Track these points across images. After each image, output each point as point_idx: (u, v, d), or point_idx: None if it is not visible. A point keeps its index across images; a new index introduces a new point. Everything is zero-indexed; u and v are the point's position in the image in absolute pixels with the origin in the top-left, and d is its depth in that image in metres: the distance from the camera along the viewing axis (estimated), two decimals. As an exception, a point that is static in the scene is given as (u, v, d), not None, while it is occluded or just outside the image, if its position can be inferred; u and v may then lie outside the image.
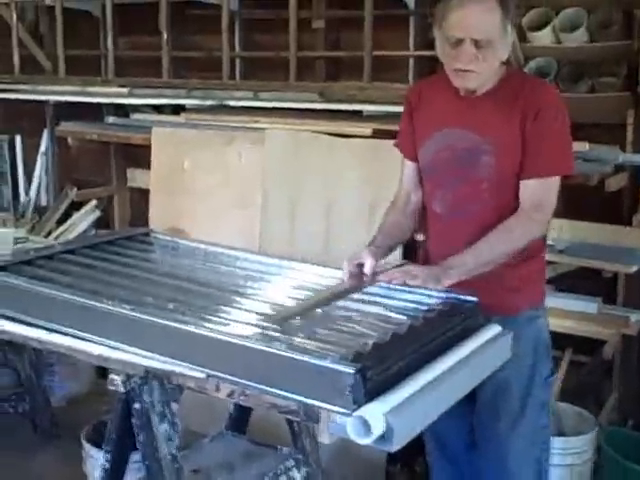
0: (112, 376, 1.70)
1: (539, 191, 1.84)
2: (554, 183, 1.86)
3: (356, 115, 3.17)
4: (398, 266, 1.94)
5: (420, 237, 2.19)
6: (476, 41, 1.75)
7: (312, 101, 3.29)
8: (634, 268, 2.80)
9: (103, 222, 4.18)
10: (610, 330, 2.79)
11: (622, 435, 2.77)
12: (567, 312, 2.78)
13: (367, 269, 1.87)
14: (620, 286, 3.02)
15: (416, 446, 1.74)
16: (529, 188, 1.85)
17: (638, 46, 2.86)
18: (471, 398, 1.92)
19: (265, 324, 1.64)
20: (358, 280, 1.87)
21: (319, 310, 1.74)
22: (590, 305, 2.86)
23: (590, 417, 2.75)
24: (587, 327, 2.80)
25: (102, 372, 3.34)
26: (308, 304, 1.77)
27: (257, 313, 1.74)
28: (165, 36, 3.82)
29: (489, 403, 1.96)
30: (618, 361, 2.99)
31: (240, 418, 2.26)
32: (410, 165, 2.06)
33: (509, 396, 1.95)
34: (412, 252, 2.91)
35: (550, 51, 3.00)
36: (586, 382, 3.05)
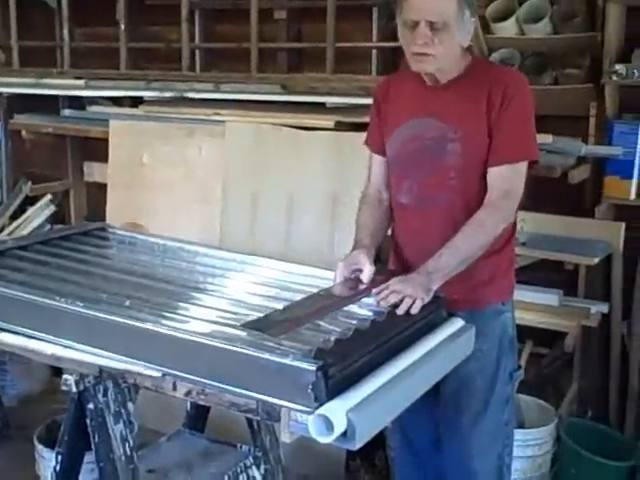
0: (65, 376, 1.65)
1: (508, 177, 1.84)
2: (522, 168, 1.86)
3: (319, 107, 3.13)
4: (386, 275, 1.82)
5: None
6: (431, 23, 1.75)
7: (274, 93, 3.24)
8: (595, 260, 2.82)
9: (59, 217, 4.07)
10: (571, 322, 2.80)
11: (581, 426, 2.80)
12: (529, 304, 2.78)
13: (365, 277, 1.81)
14: (581, 278, 3.03)
15: (376, 440, 1.71)
16: (498, 175, 1.84)
17: (601, 38, 2.87)
18: (437, 393, 1.92)
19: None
20: (350, 287, 1.79)
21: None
22: (551, 297, 2.87)
23: (550, 408, 2.76)
24: (548, 319, 2.81)
25: (56, 370, 3.25)
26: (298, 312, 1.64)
27: (217, 310, 1.70)
28: (123, 27, 3.75)
29: (453, 398, 1.95)
30: (578, 353, 3.01)
31: (198, 416, 2.22)
32: (379, 160, 2.02)
33: (473, 391, 1.94)
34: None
35: (513, 42, 2.99)
36: (546, 374, 3.07)
